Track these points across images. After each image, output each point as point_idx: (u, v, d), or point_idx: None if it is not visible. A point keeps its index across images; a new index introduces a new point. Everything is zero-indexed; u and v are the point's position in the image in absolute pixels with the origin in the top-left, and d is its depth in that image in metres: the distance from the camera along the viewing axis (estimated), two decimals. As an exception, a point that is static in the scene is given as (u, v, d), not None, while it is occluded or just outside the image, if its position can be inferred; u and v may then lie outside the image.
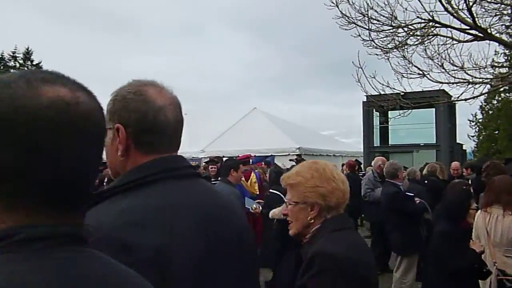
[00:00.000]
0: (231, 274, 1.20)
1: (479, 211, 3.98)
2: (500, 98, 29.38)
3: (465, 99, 7.83)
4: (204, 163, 11.08)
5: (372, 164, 8.02)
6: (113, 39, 75.34)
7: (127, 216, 1.07)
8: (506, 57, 22.81)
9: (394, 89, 8.04)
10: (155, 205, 1.12)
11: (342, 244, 1.71)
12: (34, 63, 47.55)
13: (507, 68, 10.12)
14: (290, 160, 13.98)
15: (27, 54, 47.29)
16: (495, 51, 18.24)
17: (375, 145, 18.42)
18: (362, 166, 15.87)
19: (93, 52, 74.03)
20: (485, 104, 31.53)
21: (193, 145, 18.14)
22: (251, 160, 11.37)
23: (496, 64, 8.44)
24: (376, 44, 7.46)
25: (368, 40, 7.42)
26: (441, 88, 9.09)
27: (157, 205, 1.12)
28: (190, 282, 1.08)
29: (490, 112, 31.47)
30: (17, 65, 47.21)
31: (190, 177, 1.28)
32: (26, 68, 47.39)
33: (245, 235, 1.31)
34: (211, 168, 9.25)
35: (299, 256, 1.88)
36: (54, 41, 68.60)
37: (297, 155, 15.54)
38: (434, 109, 16.47)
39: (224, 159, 12.47)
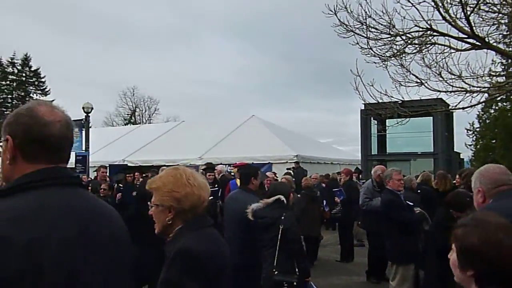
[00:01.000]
0: (102, 268, 1.39)
1: None
2: (497, 107, 29.46)
3: (463, 108, 7.85)
4: (201, 170, 11.04)
5: (372, 173, 7.98)
6: (112, 45, 75.53)
7: (6, 214, 1.27)
8: (503, 66, 22.92)
9: (392, 97, 8.05)
10: (34, 205, 1.31)
11: (201, 240, 1.98)
12: (32, 69, 47.59)
13: (504, 77, 10.16)
14: (288, 168, 13.96)
15: (26, 60, 47.29)
16: (492, 60, 18.32)
17: (372, 153, 18.42)
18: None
19: (90, 58, 74.15)
20: (482, 113, 31.60)
21: (191, 152, 18.11)
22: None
23: (493, 73, 8.45)
24: (374, 52, 7.48)
25: (366, 48, 7.45)
26: (438, 97, 9.10)
27: (36, 205, 1.31)
28: (63, 271, 1.27)
29: (487, 121, 31.55)
30: (15, 71, 47.22)
31: (71, 185, 1.46)
32: (24, 74, 47.42)
33: (117, 235, 1.51)
34: (209, 175, 9.24)
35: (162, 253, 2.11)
36: (52, 47, 68.73)
37: (295, 162, 15.53)
38: (431, 117, 16.51)
39: (219, 166, 12.48)
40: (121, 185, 9.13)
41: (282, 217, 4.55)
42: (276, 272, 4.44)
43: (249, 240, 4.70)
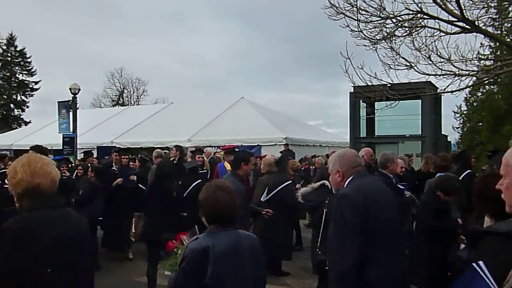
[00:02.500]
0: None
1: None
2: (484, 91, 29.66)
3: (451, 91, 7.89)
4: (190, 153, 11.04)
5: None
6: (100, 25, 74.28)
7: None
8: (491, 50, 23.03)
9: (382, 80, 8.06)
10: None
11: (22, 220, 2.17)
12: (18, 49, 46.69)
13: (492, 61, 10.22)
14: (280, 152, 14.02)
15: (11, 40, 46.34)
16: (481, 44, 18.39)
17: (361, 136, 18.50)
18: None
19: (78, 37, 72.89)
20: (470, 96, 31.82)
21: (180, 134, 18.06)
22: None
23: (482, 57, 8.49)
24: (365, 35, 7.45)
25: (356, 31, 7.41)
26: (427, 80, 9.13)
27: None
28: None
29: (475, 104, 31.77)
30: (0, 50, 46.29)
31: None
32: (9, 54, 46.52)
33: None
34: (198, 157, 9.24)
35: None
36: (38, 26, 67.44)
37: (284, 145, 15.58)
38: (420, 100, 16.56)
39: (207, 149, 12.48)
40: (115, 168, 8.82)
41: (326, 201, 4.84)
42: (319, 252, 4.70)
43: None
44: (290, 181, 7.62)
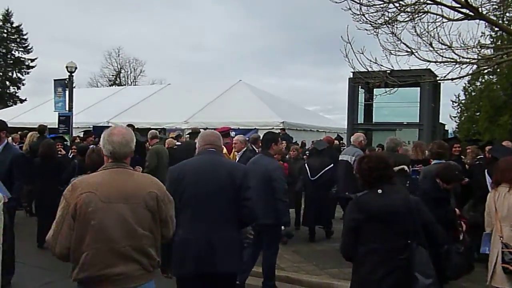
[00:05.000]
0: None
1: (491, 190, 4.43)
2: (483, 80, 29.60)
3: (452, 79, 7.83)
4: (187, 135, 10.96)
5: (353, 139, 7.89)
6: (98, 3, 73.40)
7: None
8: (492, 39, 22.90)
9: (382, 65, 8.00)
10: None
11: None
12: (14, 25, 46.12)
13: (492, 50, 10.13)
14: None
15: (7, 16, 45.74)
16: (482, 33, 18.28)
17: (359, 122, 18.46)
18: (344, 141, 15.95)
19: (76, 16, 72.01)
20: (469, 85, 31.77)
21: (176, 115, 17.96)
22: (232, 133, 11.30)
23: (483, 45, 8.41)
24: (366, 19, 7.35)
25: (358, 14, 7.31)
26: (427, 68, 9.06)
27: None
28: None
29: (473, 93, 31.73)
30: (-4, 26, 45.72)
31: None
32: (5, 31, 45.96)
33: None
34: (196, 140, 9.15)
35: None
36: (35, 3, 66.53)
37: (281, 129, 15.51)
38: (419, 88, 16.51)
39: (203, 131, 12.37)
40: None
41: (407, 185, 5.01)
42: None
43: (272, 201, 5.00)
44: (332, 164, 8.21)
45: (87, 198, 2.50)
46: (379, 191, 3.24)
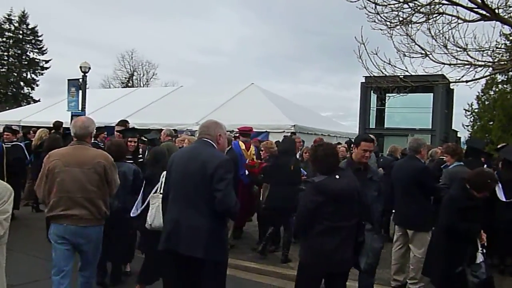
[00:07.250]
0: None
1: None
2: (497, 89, 29.34)
3: (466, 81, 7.75)
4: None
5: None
6: (113, 6, 74.21)
7: None
8: (507, 42, 22.66)
9: (395, 67, 7.95)
10: None
11: None
12: (29, 27, 46.75)
13: (509, 54, 10.01)
14: (285, 136, 13.83)
15: (23, 18, 46.39)
16: (502, 33, 18.03)
17: (370, 127, 18.37)
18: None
19: (90, 18, 72.89)
20: (482, 94, 31.50)
21: (188, 117, 17.96)
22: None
23: (499, 48, 8.32)
24: (381, 18, 7.30)
25: (373, 13, 7.27)
26: (440, 73, 9.00)
27: None
28: None
29: (486, 102, 31.44)
30: (12, 28, 46.36)
31: None
32: (21, 32, 46.59)
33: None
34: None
35: None
36: (50, 6, 67.40)
37: (291, 132, 15.43)
38: (432, 94, 16.41)
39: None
40: None
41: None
42: None
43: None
44: None
45: (55, 163, 4.00)
46: (337, 176, 3.74)
